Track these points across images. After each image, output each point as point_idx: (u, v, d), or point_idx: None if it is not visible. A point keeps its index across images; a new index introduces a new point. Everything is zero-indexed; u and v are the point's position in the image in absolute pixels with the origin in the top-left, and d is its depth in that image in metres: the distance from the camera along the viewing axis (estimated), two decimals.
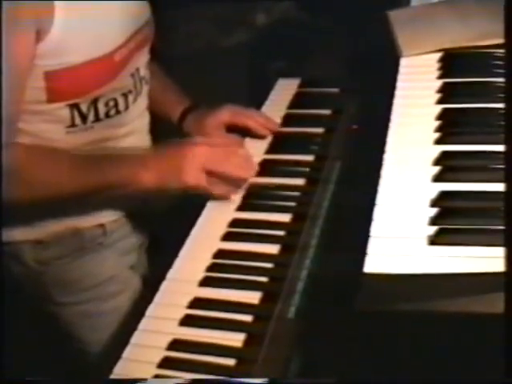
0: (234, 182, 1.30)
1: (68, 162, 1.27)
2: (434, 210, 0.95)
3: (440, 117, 1.14)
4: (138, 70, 1.41)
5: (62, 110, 1.29)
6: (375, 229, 0.93)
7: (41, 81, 1.25)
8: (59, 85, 1.26)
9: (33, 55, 1.21)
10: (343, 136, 1.43)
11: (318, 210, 1.25)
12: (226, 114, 1.49)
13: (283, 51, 2.22)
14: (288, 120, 1.51)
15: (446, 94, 1.20)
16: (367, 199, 1.04)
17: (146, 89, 1.47)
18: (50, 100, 1.27)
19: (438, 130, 1.11)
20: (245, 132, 1.49)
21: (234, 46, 2.44)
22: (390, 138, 1.11)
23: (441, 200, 0.96)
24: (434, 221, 0.93)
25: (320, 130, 1.46)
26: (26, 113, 1.28)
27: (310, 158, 1.38)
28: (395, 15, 1.46)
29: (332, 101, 1.55)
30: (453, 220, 0.93)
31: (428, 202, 0.96)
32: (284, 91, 1.62)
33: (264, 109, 1.56)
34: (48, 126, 1.31)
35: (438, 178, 1.01)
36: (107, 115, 1.35)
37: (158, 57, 1.60)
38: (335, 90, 1.59)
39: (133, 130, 1.44)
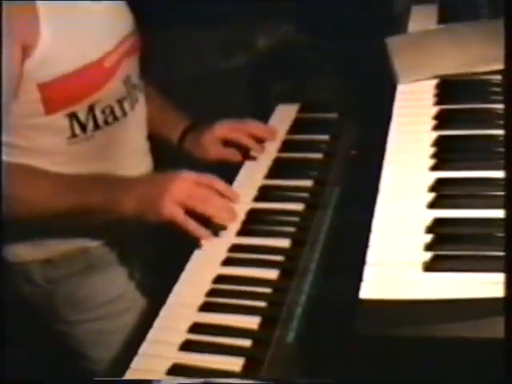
0: (210, 226, 1.27)
1: (50, 181, 1.29)
2: (429, 237, 0.96)
3: (436, 143, 1.15)
4: (129, 76, 1.44)
5: (60, 120, 1.32)
6: (371, 255, 0.94)
7: (35, 93, 1.28)
8: (54, 94, 1.29)
9: (19, 71, 1.23)
10: (342, 161, 1.45)
11: (317, 235, 1.26)
12: (222, 129, 1.51)
13: (283, 74, 2.24)
14: (287, 145, 1.53)
15: (442, 120, 1.21)
16: (366, 224, 1.05)
17: (142, 98, 1.49)
18: (48, 111, 1.30)
19: (434, 156, 1.12)
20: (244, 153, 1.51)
21: (234, 68, 2.47)
22: (386, 164, 1.12)
23: (436, 226, 0.97)
24: (429, 247, 0.94)
25: (319, 156, 1.48)
26: (25, 128, 1.31)
27: (309, 183, 1.40)
28: (393, 42, 1.48)
29: (331, 126, 1.57)
30: (448, 246, 0.94)
31: (423, 229, 0.98)
32: (283, 117, 1.64)
33: None
34: (49, 139, 1.33)
35: (433, 205, 1.02)
36: (106, 122, 1.38)
37: (156, 78, 1.62)
38: (334, 115, 1.61)
39: (133, 141, 1.47)
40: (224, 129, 1.51)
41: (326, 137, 1.53)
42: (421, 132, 1.19)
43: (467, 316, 0.85)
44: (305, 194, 1.37)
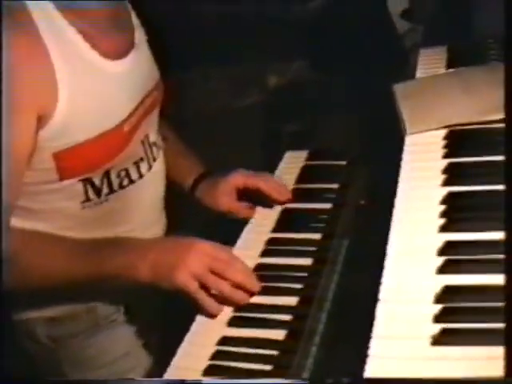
0: (225, 301, 1.21)
1: (64, 248, 1.26)
2: (438, 307, 0.92)
3: (445, 201, 1.12)
4: (147, 136, 1.41)
5: (74, 185, 1.29)
6: (377, 328, 0.90)
7: (50, 162, 1.24)
8: (69, 163, 1.26)
9: (33, 142, 1.20)
10: (351, 212, 1.42)
11: (325, 292, 1.23)
12: (238, 178, 1.47)
13: (294, 114, 2.22)
14: (295, 195, 1.50)
15: (452, 175, 1.17)
16: (375, 281, 1.02)
17: (160, 155, 1.46)
18: (62, 178, 1.27)
19: (443, 215, 1.09)
20: (256, 198, 1.47)
21: (246, 106, 2.46)
22: (394, 224, 1.09)
23: (445, 295, 0.93)
24: (437, 319, 0.90)
25: (328, 206, 1.44)
26: (37, 193, 1.28)
27: (317, 236, 1.37)
28: (400, 89, 1.45)
29: (339, 174, 1.54)
30: (457, 318, 0.90)
31: (432, 298, 0.94)
32: (291, 164, 1.61)
33: None
34: (62, 203, 1.30)
35: (442, 271, 0.98)
36: (121, 186, 1.34)
37: (169, 117, 1.60)
38: (343, 162, 1.58)
39: (149, 201, 1.44)
40: (241, 177, 1.47)
41: (334, 185, 1.50)
42: (430, 188, 1.15)
43: None
44: (313, 248, 1.33)
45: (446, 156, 1.23)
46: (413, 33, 2.29)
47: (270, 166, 1.68)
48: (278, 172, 1.59)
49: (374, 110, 1.71)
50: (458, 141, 1.27)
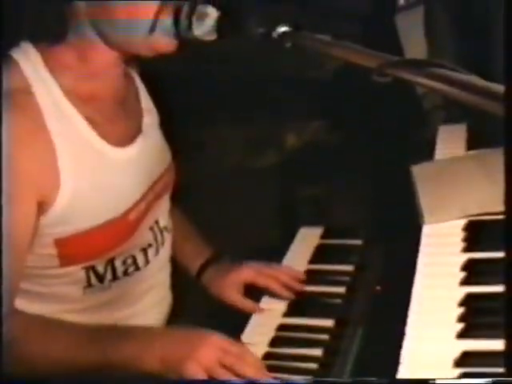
0: None
1: (69, 337, 1.20)
2: None
3: (464, 303, 1.07)
4: (157, 221, 1.36)
5: (76, 272, 1.25)
6: None
7: (51, 248, 1.21)
8: (71, 250, 1.23)
9: (34, 228, 1.17)
10: (366, 298, 1.38)
11: None
12: (248, 273, 1.43)
13: (310, 177, 2.19)
14: (309, 277, 1.46)
15: (472, 273, 1.13)
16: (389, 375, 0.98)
17: (168, 239, 1.41)
18: (63, 264, 1.23)
19: (462, 319, 1.04)
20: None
21: (261, 168, 2.42)
22: (409, 327, 1.04)
23: None
24: None
25: (341, 290, 1.41)
26: (38, 276, 1.24)
27: (330, 323, 1.33)
28: (418, 171, 1.41)
29: (355, 255, 1.50)
30: None
31: None
32: (306, 242, 1.58)
33: (285, 263, 1.52)
34: (63, 287, 1.27)
35: None
36: (125, 273, 1.30)
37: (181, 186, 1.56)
38: (359, 241, 1.54)
39: (154, 284, 1.39)
40: (251, 272, 1.43)
41: (349, 267, 1.47)
42: (448, 288, 1.11)
43: None
44: (325, 337, 1.30)
45: (465, 250, 1.19)
46: (433, 94, 2.27)
47: (284, 229, 1.64)
48: (291, 249, 1.55)
49: (390, 186, 1.68)
50: (478, 233, 1.22)
